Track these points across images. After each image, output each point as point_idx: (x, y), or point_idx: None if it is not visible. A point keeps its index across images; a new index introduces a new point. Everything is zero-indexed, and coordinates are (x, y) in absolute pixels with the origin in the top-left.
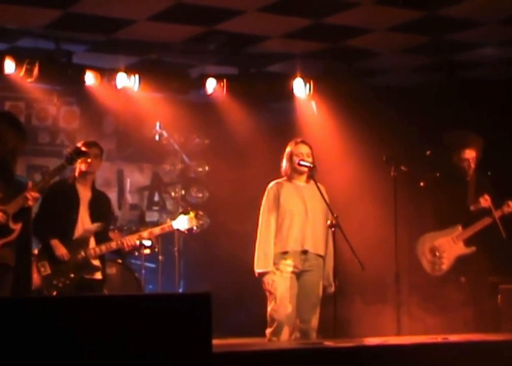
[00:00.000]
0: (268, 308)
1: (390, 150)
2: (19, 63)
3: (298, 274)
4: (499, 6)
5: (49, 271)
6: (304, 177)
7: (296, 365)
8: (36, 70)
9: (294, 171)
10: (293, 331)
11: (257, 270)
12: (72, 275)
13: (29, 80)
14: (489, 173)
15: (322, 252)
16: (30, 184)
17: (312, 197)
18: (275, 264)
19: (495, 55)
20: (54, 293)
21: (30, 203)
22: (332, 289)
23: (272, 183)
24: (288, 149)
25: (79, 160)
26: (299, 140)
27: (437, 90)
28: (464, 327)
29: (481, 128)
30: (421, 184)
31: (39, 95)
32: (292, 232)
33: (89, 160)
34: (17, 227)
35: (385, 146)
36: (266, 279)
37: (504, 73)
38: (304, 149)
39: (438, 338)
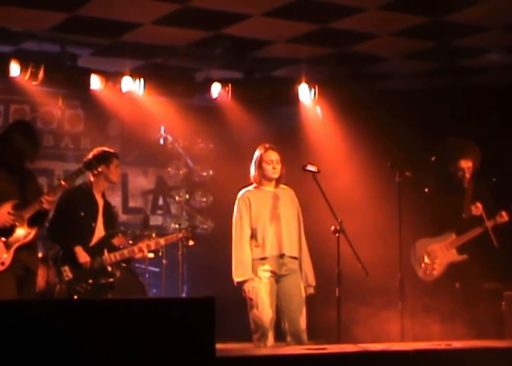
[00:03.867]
0: (250, 315)
1: (395, 156)
2: (24, 66)
3: (276, 279)
4: (504, 12)
5: (71, 276)
6: (273, 182)
7: None
8: (41, 74)
9: (264, 177)
10: (285, 335)
11: (236, 278)
12: (90, 281)
13: (34, 83)
14: (494, 180)
15: (296, 254)
16: (46, 189)
17: (283, 201)
18: (253, 270)
19: (500, 61)
20: (75, 297)
21: (45, 206)
22: (312, 290)
23: (241, 192)
24: (257, 155)
25: (99, 169)
26: (267, 146)
27: (442, 96)
28: (462, 333)
29: (487, 134)
30: (426, 190)
31: (44, 99)
32: (268, 237)
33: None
34: (32, 231)
35: (390, 151)
36: (246, 287)
37: (510, 79)
38: (273, 156)
39: (442, 344)
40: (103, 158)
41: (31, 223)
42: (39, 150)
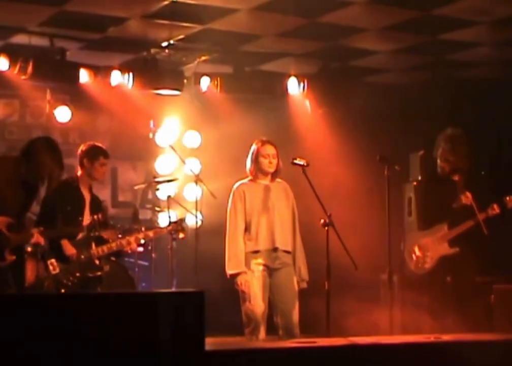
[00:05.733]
0: (243, 308)
1: (383, 149)
2: (13, 60)
3: (269, 273)
4: (493, 6)
5: (57, 270)
6: (269, 176)
7: (290, 364)
8: (30, 68)
9: (260, 171)
10: (277, 329)
11: (229, 271)
12: (78, 274)
13: (23, 77)
14: (482, 173)
15: (290, 248)
16: (41, 229)
17: (277, 195)
18: (246, 263)
19: (489, 55)
20: (62, 291)
21: (32, 241)
22: (304, 284)
23: (236, 184)
24: (253, 149)
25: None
26: (264, 139)
27: (432, 90)
28: (452, 327)
29: (475, 127)
30: (414, 183)
31: (33, 93)
32: (262, 230)
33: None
34: (11, 258)
35: (379, 145)
36: (239, 280)
37: (498, 73)
38: (270, 150)
39: (431, 337)
40: (90, 154)
41: (13, 251)
42: (63, 170)
